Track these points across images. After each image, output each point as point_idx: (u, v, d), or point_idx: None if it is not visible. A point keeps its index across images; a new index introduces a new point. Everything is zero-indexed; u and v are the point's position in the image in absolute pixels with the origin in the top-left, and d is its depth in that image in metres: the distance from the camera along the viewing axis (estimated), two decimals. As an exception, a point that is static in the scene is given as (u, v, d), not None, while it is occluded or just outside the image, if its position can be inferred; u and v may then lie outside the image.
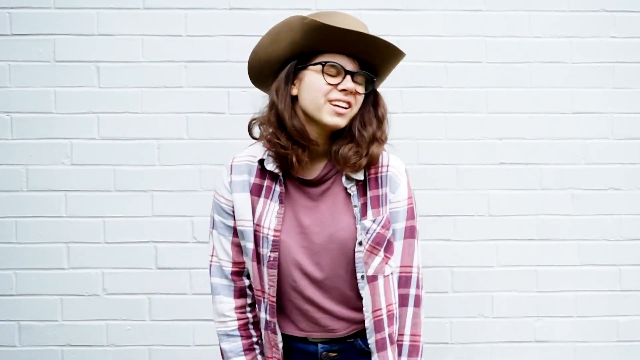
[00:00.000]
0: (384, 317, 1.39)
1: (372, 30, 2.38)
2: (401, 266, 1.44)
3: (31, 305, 2.29)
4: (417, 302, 1.44)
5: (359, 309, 1.42)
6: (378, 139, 1.41)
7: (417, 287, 1.44)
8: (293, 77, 1.40)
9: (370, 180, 1.43)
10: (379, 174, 1.44)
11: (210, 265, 1.50)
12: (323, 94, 1.34)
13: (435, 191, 2.32)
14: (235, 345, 1.44)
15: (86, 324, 2.29)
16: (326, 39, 1.34)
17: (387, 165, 1.45)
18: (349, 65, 1.37)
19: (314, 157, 1.42)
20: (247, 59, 1.47)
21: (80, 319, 2.29)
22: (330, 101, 1.34)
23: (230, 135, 2.28)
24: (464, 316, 2.33)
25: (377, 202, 1.42)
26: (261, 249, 1.40)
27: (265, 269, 1.39)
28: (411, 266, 1.44)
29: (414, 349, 1.42)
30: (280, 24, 1.39)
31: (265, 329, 1.42)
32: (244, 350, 1.44)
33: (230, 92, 2.30)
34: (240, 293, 1.46)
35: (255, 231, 1.41)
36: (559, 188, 2.33)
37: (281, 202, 1.40)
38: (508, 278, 2.33)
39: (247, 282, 1.47)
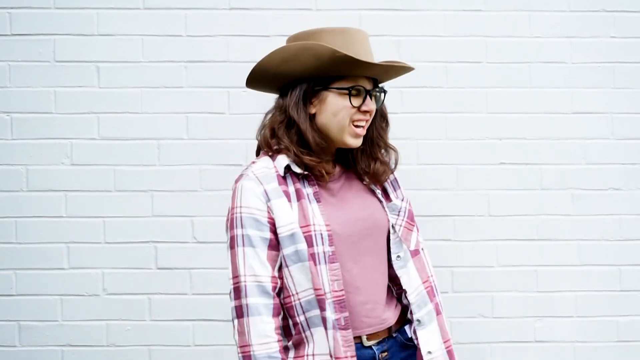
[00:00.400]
0: (432, 285, 1.50)
1: (372, 31, 2.38)
2: (423, 281, 1.54)
3: (31, 305, 2.29)
4: (441, 308, 1.56)
5: (393, 300, 1.51)
6: (388, 145, 1.53)
7: (439, 294, 1.57)
8: (312, 96, 1.42)
9: None
10: None
11: (244, 286, 1.36)
12: (349, 116, 1.40)
13: (435, 191, 2.32)
14: None
15: (86, 324, 2.29)
16: (355, 67, 1.38)
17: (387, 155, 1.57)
18: (368, 84, 1.42)
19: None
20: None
21: (80, 319, 2.29)
22: (353, 122, 1.40)
23: (230, 135, 2.28)
24: (464, 316, 2.33)
25: (394, 187, 1.55)
26: (315, 248, 1.37)
27: (324, 267, 1.36)
28: (430, 276, 1.56)
29: (451, 355, 1.50)
30: (298, 46, 1.39)
31: (333, 328, 1.35)
32: None
33: (230, 92, 2.30)
34: (278, 312, 1.38)
35: (303, 233, 1.37)
36: (559, 188, 2.33)
37: (318, 200, 1.42)
38: (508, 278, 2.33)
39: (279, 300, 1.40)
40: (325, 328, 1.36)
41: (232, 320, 1.37)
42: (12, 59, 2.27)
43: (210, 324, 2.26)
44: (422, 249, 1.54)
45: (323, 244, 1.37)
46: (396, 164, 1.55)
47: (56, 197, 2.28)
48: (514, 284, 2.33)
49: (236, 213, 1.38)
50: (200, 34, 2.29)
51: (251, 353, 1.32)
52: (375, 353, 1.42)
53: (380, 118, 1.51)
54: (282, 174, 1.41)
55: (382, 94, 1.46)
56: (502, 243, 2.33)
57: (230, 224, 1.39)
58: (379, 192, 1.50)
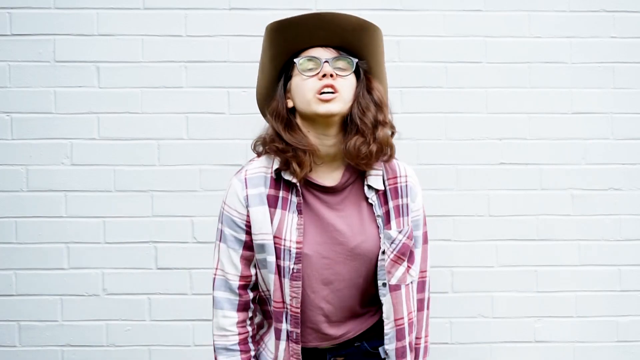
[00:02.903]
0: (406, 325, 1.41)
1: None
2: (420, 271, 1.49)
3: (31, 305, 2.29)
4: (428, 304, 1.53)
5: (367, 313, 1.44)
6: (381, 122, 1.38)
7: (429, 289, 1.51)
8: (285, 91, 1.41)
9: (390, 190, 1.43)
10: (399, 184, 1.44)
11: (213, 279, 1.45)
12: (309, 89, 1.34)
13: (435, 191, 2.32)
14: (234, 359, 1.41)
15: (86, 324, 2.29)
16: (291, 37, 1.37)
17: (406, 176, 1.46)
18: (327, 55, 1.37)
19: (329, 162, 1.40)
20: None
21: (80, 319, 2.29)
22: (317, 92, 1.33)
23: (230, 135, 2.28)
24: (464, 316, 2.33)
25: (399, 212, 1.42)
26: (282, 262, 1.36)
27: (287, 281, 1.36)
28: (426, 271, 1.50)
29: (427, 350, 1.49)
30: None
31: (287, 339, 1.39)
32: None
33: (230, 92, 2.30)
34: (244, 307, 1.42)
35: (275, 244, 1.37)
36: (559, 188, 2.33)
37: (300, 212, 1.38)
38: (508, 278, 2.33)
39: (251, 295, 1.44)
40: (278, 338, 1.39)
41: None
42: (12, 59, 2.27)
43: (210, 324, 2.26)
44: (410, 284, 1.43)
45: (290, 260, 1.36)
46: (390, 152, 1.43)
47: (56, 197, 2.28)
48: (513, 284, 2.33)
49: (222, 208, 1.44)
50: (200, 34, 2.29)
51: (214, 342, 1.43)
52: (327, 356, 1.43)
53: (367, 94, 1.40)
54: (275, 176, 1.40)
55: (352, 61, 1.38)
56: (502, 243, 2.33)
57: (218, 216, 1.45)
58: (380, 217, 1.40)
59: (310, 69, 1.35)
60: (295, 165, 1.35)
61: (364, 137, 1.35)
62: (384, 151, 1.39)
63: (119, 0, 2.28)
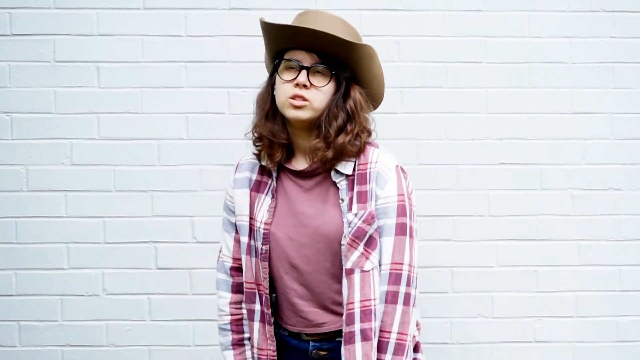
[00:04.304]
0: (356, 311, 1.38)
1: (372, 31, 2.38)
2: (391, 263, 1.41)
3: (31, 305, 2.29)
4: (407, 300, 1.41)
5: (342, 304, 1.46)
6: (346, 131, 1.42)
7: (408, 285, 1.41)
8: (272, 80, 1.49)
9: (358, 176, 1.44)
10: (367, 170, 1.44)
11: (217, 262, 1.58)
12: (284, 92, 1.41)
13: (435, 191, 2.32)
14: (227, 339, 1.52)
15: (86, 324, 2.29)
16: (275, 38, 1.44)
17: (376, 162, 1.45)
18: (308, 60, 1.41)
19: (302, 149, 1.48)
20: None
21: (80, 319, 2.29)
22: (289, 98, 1.40)
23: (230, 135, 2.28)
24: (464, 316, 2.33)
25: (364, 197, 1.42)
26: (253, 242, 1.47)
27: (258, 261, 1.46)
28: (402, 263, 1.41)
29: (400, 348, 1.39)
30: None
31: (261, 320, 1.46)
32: (232, 344, 1.51)
33: (230, 92, 2.30)
34: (237, 288, 1.52)
35: (250, 225, 1.48)
36: (559, 188, 2.33)
37: (273, 196, 1.47)
38: (508, 278, 2.33)
39: (240, 279, 1.52)
40: (252, 320, 1.48)
41: None
42: (12, 59, 2.27)
43: (210, 324, 2.26)
44: (370, 271, 1.40)
45: (259, 240, 1.45)
46: (358, 150, 1.45)
47: (56, 197, 2.28)
48: (513, 284, 2.33)
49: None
50: (200, 34, 2.29)
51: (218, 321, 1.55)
52: (309, 347, 1.46)
53: (339, 101, 1.44)
54: (260, 163, 1.51)
55: (328, 72, 1.42)
56: (502, 243, 2.33)
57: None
58: (345, 201, 1.42)
59: (289, 73, 1.42)
60: (266, 157, 1.47)
61: (325, 143, 1.41)
62: (342, 157, 1.43)
63: (119, 0, 2.28)
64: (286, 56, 1.44)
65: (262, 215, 1.46)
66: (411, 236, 1.44)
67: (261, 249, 1.44)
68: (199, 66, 2.29)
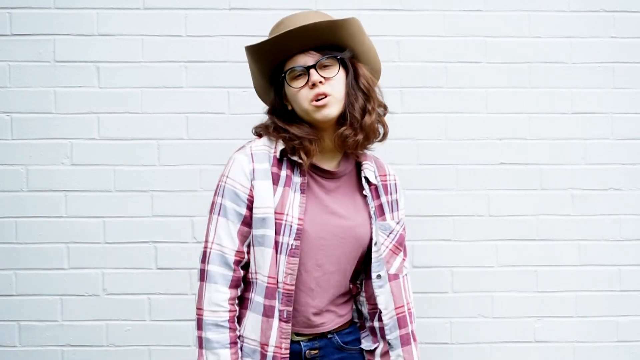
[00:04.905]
0: (406, 313, 1.49)
1: (373, 31, 2.38)
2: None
3: (31, 305, 2.29)
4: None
5: (343, 304, 1.50)
6: (368, 110, 1.44)
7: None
8: (281, 96, 1.47)
9: (382, 186, 1.53)
10: (388, 182, 1.55)
11: (209, 252, 1.43)
12: (304, 98, 1.40)
13: (435, 191, 2.32)
14: (224, 336, 1.41)
15: (86, 324, 2.29)
16: (270, 53, 1.42)
17: (394, 175, 1.58)
18: (309, 60, 1.41)
19: (328, 150, 1.47)
20: (247, 59, 1.51)
21: (80, 319, 2.29)
22: (311, 101, 1.39)
23: (230, 135, 2.28)
24: (464, 316, 2.33)
25: (391, 207, 1.52)
26: (281, 237, 1.40)
27: (283, 257, 1.40)
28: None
29: (410, 314, 1.54)
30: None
31: (276, 318, 1.40)
32: (231, 342, 1.41)
33: (230, 92, 2.30)
34: (236, 284, 1.44)
35: (275, 219, 1.40)
36: (559, 188, 2.33)
37: (302, 192, 1.43)
38: (508, 278, 2.33)
39: (242, 273, 1.45)
40: (266, 316, 1.40)
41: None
42: (12, 59, 2.27)
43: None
44: (406, 275, 1.52)
45: (289, 236, 1.40)
46: (384, 136, 1.51)
47: (56, 197, 2.28)
48: (513, 284, 2.33)
49: (222, 182, 1.45)
50: (200, 34, 2.29)
51: (202, 317, 1.40)
52: (302, 349, 1.45)
53: (353, 83, 1.45)
54: (278, 156, 1.45)
55: (334, 58, 1.42)
56: (502, 243, 2.33)
57: (215, 190, 1.46)
58: (373, 207, 1.49)
59: (299, 80, 1.41)
60: (302, 154, 1.41)
61: (352, 128, 1.42)
62: (370, 139, 1.47)
63: (119, 0, 2.28)
64: (287, 66, 1.42)
65: (294, 210, 1.41)
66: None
67: (292, 244, 1.39)
68: (199, 66, 2.29)
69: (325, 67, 1.41)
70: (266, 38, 1.43)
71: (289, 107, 1.46)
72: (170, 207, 2.29)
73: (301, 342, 1.46)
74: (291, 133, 1.42)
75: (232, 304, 1.44)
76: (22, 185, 2.28)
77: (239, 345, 1.44)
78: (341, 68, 1.43)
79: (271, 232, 1.40)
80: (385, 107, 1.52)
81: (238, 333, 1.44)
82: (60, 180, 2.28)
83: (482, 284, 2.33)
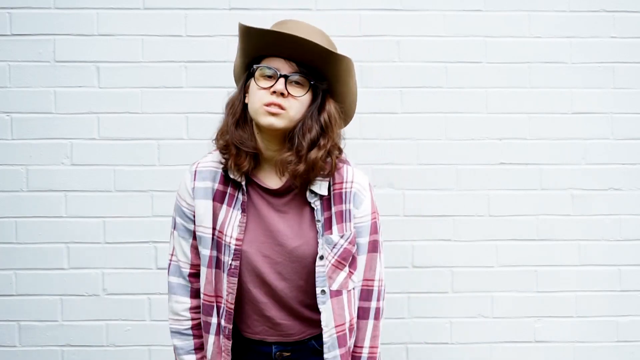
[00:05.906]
0: (347, 331, 1.43)
1: (372, 31, 2.38)
2: (363, 279, 1.47)
3: (31, 305, 2.29)
4: (377, 314, 1.48)
5: (315, 318, 1.45)
6: (319, 145, 1.39)
7: (378, 299, 1.48)
8: (245, 86, 1.45)
9: (334, 196, 1.44)
10: (344, 190, 1.45)
11: (169, 265, 1.52)
12: (259, 98, 1.37)
13: (435, 191, 2.32)
14: (187, 343, 1.49)
15: (86, 324, 2.29)
16: (256, 43, 1.39)
17: (352, 182, 1.46)
18: (287, 69, 1.38)
19: (272, 166, 1.43)
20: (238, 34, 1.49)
21: (80, 319, 2.29)
22: (265, 105, 1.36)
23: (230, 135, 2.27)
24: (464, 316, 2.33)
25: (341, 218, 1.43)
26: (222, 256, 1.42)
27: (225, 276, 1.41)
28: (373, 279, 1.47)
29: None
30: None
31: (217, 334, 1.43)
32: (195, 349, 1.49)
33: (230, 92, 2.28)
34: (195, 294, 1.49)
35: (217, 238, 1.43)
36: (559, 188, 2.33)
37: (243, 211, 1.42)
38: (508, 278, 2.33)
39: (198, 284, 1.49)
40: (207, 332, 1.45)
41: None
42: (12, 59, 2.27)
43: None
44: (352, 290, 1.44)
45: (229, 256, 1.40)
46: (329, 174, 1.42)
47: (56, 197, 2.28)
48: (513, 284, 2.33)
49: (176, 199, 1.51)
50: (200, 34, 2.29)
51: (169, 326, 1.51)
52: (272, 350, 1.46)
53: (314, 114, 1.41)
54: (224, 173, 1.45)
55: (307, 82, 1.39)
56: (502, 243, 2.33)
57: (174, 208, 1.52)
58: (320, 222, 1.42)
59: (266, 80, 1.38)
60: (233, 167, 1.41)
61: (297, 156, 1.38)
62: (314, 172, 1.40)
63: (119, 0, 2.28)
64: (263, 63, 1.40)
65: (232, 230, 1.40)
66: (380, 251, 1.50)
67: (231, 264, 1.40)
68: (199, 66, 2.29)
69: (296, 83, 1.38)
70: (264, 27, 1.40)
71: (246, 100, 1.44)
72: (170, 207, 2.27)
73: (272, 345, 1.46)
74: (228, 138, 1.40)
75: (195, 312, 1.49)
76: (22, 185, 2.28)
77: (204, 351, 1.49)
78: (309, 93, 1.40)
79: (206, 252, 1.44)
80: (340, 151, 1.47)
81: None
82: (60, 180, 2.28)
83: (482, 284, 2.33)
